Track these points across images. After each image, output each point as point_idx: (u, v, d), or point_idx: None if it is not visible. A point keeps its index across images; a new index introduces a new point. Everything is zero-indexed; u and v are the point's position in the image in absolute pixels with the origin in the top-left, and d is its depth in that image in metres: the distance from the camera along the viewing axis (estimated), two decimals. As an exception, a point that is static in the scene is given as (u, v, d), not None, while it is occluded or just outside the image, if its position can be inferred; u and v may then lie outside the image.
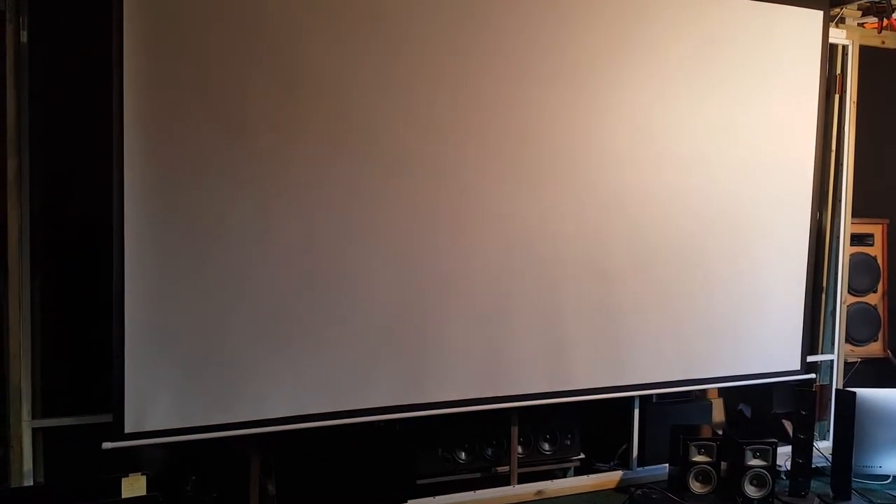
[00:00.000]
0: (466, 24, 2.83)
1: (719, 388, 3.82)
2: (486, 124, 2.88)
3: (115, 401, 2.45)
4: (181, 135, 2.48)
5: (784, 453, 3.20)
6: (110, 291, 2.43)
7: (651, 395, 3.45)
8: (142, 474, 2.45)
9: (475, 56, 2.85)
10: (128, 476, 2.42)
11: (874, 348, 3.89)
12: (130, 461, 2.81)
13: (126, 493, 2.40)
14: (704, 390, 3.78)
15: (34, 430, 2.54)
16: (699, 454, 3.08)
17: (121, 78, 2.39)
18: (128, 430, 2.46)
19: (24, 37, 2.46)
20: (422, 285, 2.83)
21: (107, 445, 2.44)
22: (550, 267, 3.02)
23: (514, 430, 3.14)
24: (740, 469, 3.02)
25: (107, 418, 2.48)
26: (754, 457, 3.03)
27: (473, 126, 2.86)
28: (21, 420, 2.50)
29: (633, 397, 3.34)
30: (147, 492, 2.42)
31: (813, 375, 3.66)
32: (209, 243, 2.53)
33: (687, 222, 3.26)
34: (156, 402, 2.49)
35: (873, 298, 3.88)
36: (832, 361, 3.75)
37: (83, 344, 2.66)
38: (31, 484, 2.52)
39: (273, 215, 2.61)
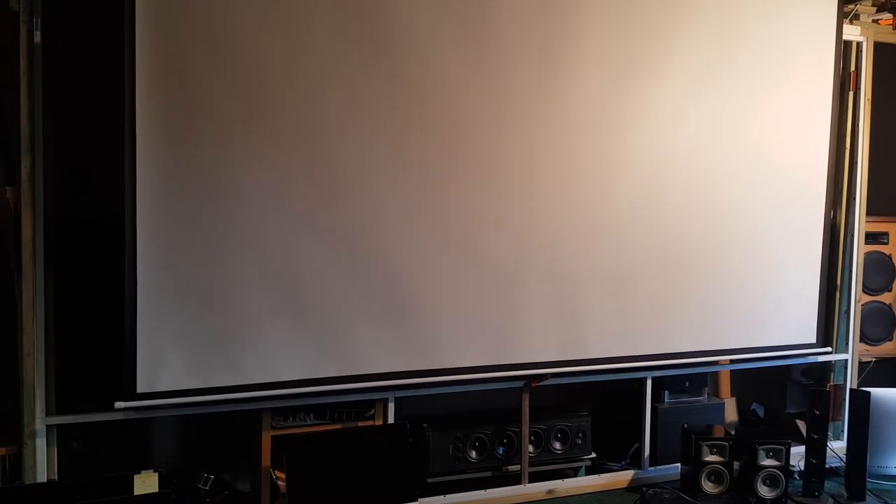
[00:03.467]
0: (492, 27, 2.88)
1: (732, 387, 3.81)
2: (504, 111, 2.92)
3: (126, 361, 2.47)
4: (191, 131, 2.51)
5: (797, 453, 3.19)
6: (125, 289, 2.45)
7: (662, 396, 3.44)
8: (154, 471, 2.46)
9: (495, 54, 2.89)
10: (140, 473, 2.43)
11: (889, 348, 3.85)
12: (143, 459, 2.83)
13: (138, 489, 2.41)
14: (718, 385, 3.79)
15: (48, 427, 2.55)
16: (711, 454, 3.06)
17: (133, 76, 2.42)
18: (140, 390, 2.49)
19: (37, 37, 2.48)
20: (438, 253, 2.87)
21: (119, 405, 2.47)
22: (566, 244, 3.05)
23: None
24: (753, 469, 3.00)
25: (120, 415, 2.49)
26: (767, 457, 3.01)
27: (492, 111, 2.91)
28: (35, 417, 2.52)
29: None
30: (159, 489, 2.43)
31: (829, 349, 3.63)
32: (226, 206, 2.57)
33: (700, 216, 3.25)
34: (167, 364, 2.52)
35: (888, 297, 3.84)
36: (846, 361, 3.72)
37: (97, 341, 2.68)
38: (45, 480, 2.54)
39: (289, 183, 2.64)
